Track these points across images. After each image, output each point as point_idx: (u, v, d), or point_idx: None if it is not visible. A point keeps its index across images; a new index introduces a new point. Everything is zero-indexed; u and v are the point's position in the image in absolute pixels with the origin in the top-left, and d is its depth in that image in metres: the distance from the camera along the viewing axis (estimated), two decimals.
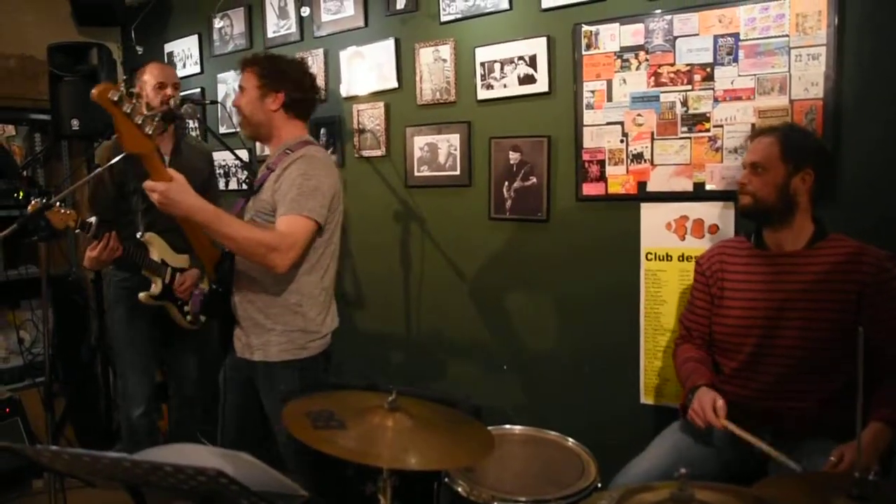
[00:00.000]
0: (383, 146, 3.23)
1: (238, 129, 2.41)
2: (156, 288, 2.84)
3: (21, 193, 3.96)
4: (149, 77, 3.08)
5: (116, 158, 2.14)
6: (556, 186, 2.75)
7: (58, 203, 2.56)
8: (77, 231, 2.65)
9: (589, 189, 2.66)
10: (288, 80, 2.24)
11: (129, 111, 1.82)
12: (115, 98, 1.78)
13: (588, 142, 2.65)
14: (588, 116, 2.64)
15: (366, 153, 3.29)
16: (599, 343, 2.69)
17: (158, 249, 2.87)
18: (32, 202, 2.49)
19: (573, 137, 2.68)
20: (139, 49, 4.09)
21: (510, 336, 2.93)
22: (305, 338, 2.20)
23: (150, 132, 1.88)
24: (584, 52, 2.63)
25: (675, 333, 2.35)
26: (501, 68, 2.85)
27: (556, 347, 2.81)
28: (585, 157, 2.66)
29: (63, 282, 4.17)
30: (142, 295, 2.82)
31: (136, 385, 3.05)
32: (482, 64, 2.89)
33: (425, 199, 3.13)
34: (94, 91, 1.77)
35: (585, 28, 2.62)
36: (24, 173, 4.22)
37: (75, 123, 3.93)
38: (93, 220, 2.65)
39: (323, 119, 3.41)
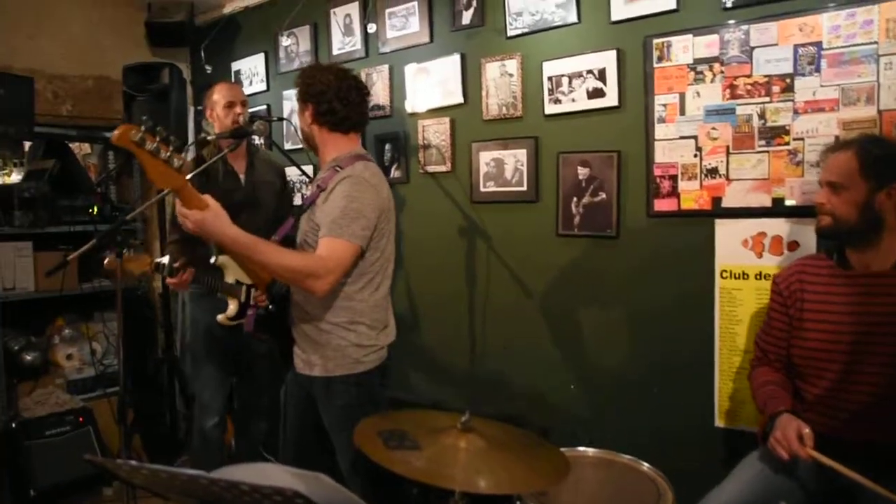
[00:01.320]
0: (448, 162, 3.26)
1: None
2: (232, 309, 2.91)
3: (95, 209, 4.17)
4: (218, 96, 3.22)
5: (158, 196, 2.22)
6: (627, 202, 2.73)
7: (129, 251, 2.77)
8: (154, 273, 2.82)
9: (661, 205, 2.63)
10: (314, 93, 2.24)
11: (153, 149, 1.80)
12: (137, 138, 1.77)
13: (660, 156, 2.62)
14: (660, 130, 2.62)
15: (431, 169, 3.34)
16: (670, 363, 2.64)
17: (233, 271, 2.92)
18: (107, 260, 2.70)
19: (644, 152, 2.66)
20: (208, 68, 4.27)
21: (578, 354, 2.91)
22: (360, 352, 2.24)
23: (179, 165, 1.86)
24: (655, 65, 2.62)
25: (752, 355, 2.30)
26: (570, 82, 2.85)
27: (626, 367, 2.77)
28: (657, 172, 2.63)
29: (132, 296, 4.34)
30: (220, 317, 2.88)
31: (213, 397, 3.19)
32: (550, 78, 2.90)
33: (491, 215, 3.15)
34: (114, 134, 1.77)
35: (657, 40, 2.60)
36: (98, 190, 4.43)
37: None
38: (165, 260, 2.78)
39: (387, 135, 3.47)
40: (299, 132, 2.39)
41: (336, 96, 2.23)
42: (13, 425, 3.55)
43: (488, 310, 3.19)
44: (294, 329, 2.33)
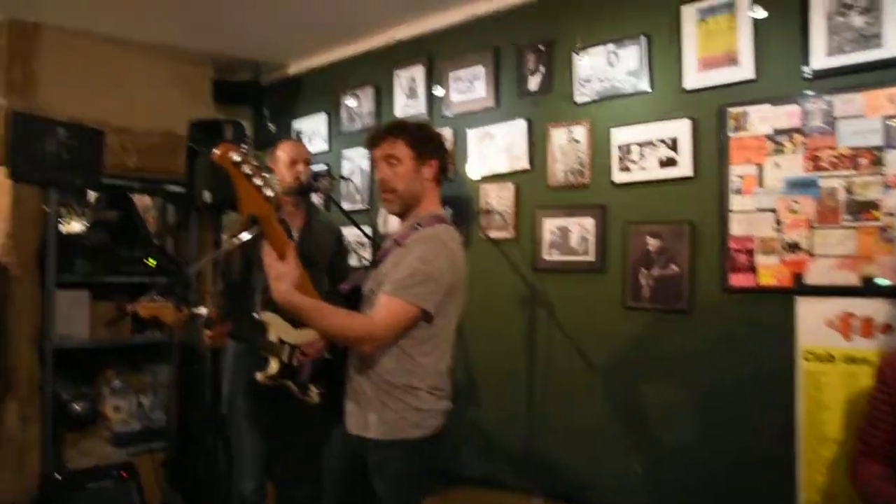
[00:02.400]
0: (511, 228, 3.24)
1: (382, 204, 2.34)
2: (272, 368, 2.86)
3: (153, 261, 4.25)
4: (281, 153, 3.26)
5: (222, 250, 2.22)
6: (700, 275, 2.66)
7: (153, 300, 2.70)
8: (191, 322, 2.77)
9: (737, 280, 2.55)
10: (441, 147, 2.26)
11: (249, 172, 1.82)
12: (236, 158, 1.80)
13: (736, 229, 2.56)
14: (736, 202, 2.56)
15: (493, 234, 3.32)
16: (746, 450, 2.51)
17: (275, 328, 2.88)
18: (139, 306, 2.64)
19: (719, 224, 2.61)
20: (272, 126, 4.38)
21: (643, 435, 2.80)
22: (419, 416, 2.17)
23: (271, 195, 1.88)
24: (731, 135, 2.58)
25: (844, 445, 2.16)
26: (640, 151, 2.83)
27: (696, 451, 2.65)
28: (733, 245, 2.56)
29: (183, 348, 4.36)
30: (258, 375, 2.83)
31: (250, 462, 3.11)
32: (619, 146, 2.89)
33: (554, 283, 3.10)
34: (215, 151, 1.79)
35: (733, 110, 2.57)
36: (156, 242, 4.52)
37: (207, 196, 4.18)
38: (203, 311, 2.73)
39: (448, 198, 3.46)
40: (386, 190, 2.23)
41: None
42: (57, 476, 3.54)
43: (548, 382, 3.11)
44: (350, 384, 2.27)
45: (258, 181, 1.84)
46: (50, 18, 3.89)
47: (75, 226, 4.68)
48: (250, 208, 1.87)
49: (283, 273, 1.94)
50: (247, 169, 1.81)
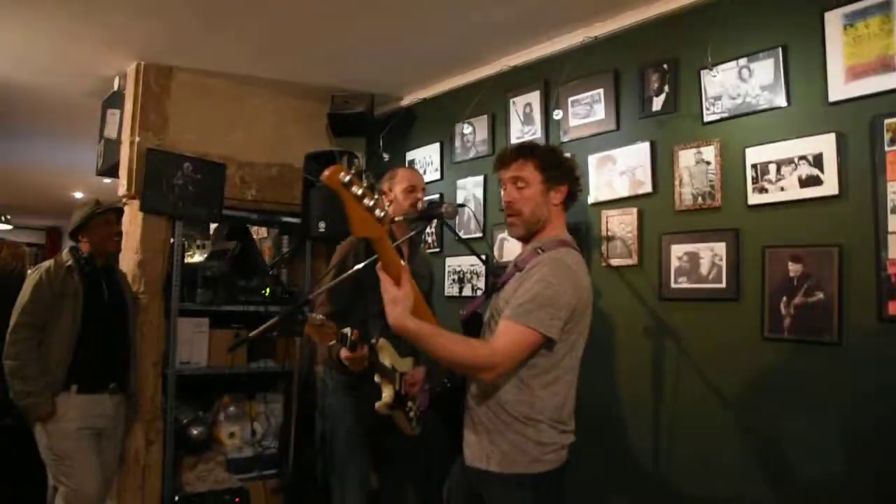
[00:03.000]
0: (635, 255, 3.11)
1: (507, 227, 2.25)
2: (388, 395, 2.82)
3: (268, 290, 4.37)
4: (401, 179, 3.27)
5: (362, 264, 2.18)
6: (851, 304, 2.43)
7: (319, 317, 2.61)
8: (333, 343, 2.66)
9: None
10: (571, 172, 2.21)
11: (359, 193, 1.76)
12: (346, 179, 1.74)
13: (894, 252, 2.33)
14: (894, 222, 2.34)
15: (614, 262, 3.19)
16: None
17: (389, 355, 2.86)
18: (312, 317, 2.56)
19: (873, 246, 2.39)
20: (385, 156, 4.45)
21: (786, 479, 2.56)
22: (540, 450, 2.07)
23: (382, 215, 1.82)
24: (887, 149, 2.37)
25: None
26: (778, 170, 2.65)
27: (848, 498, 2.39)
28: (892, 269, 2.33)
29: (299, 378, 4.44)
30: (379, 404, 2.79)
31: (355, 498, 3.02)
32: (753, 166, 2.72)
33: (683, 313, 2.93)
34: (325, 173, 1.75)
35: (889, 121, 2.37)
36: (272, 272, 4.66)
37: (322, 226, 4.30)
38: (347, 331, 2.64)
39: (567, 225, 3.37)
40: (513, 214, 2.19)
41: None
42: (176, 498, 3.64)
43: (676, 419, 2.92)
44: (468, 414, 2.20)
45: (369, 202, 1.78)
46: (182, 61, 4.15)
47: (197, 256, 4.91)
48: (363, 230, 1.82)
49: (398, 297, 1.89)
50: (356, 189, 1.76)
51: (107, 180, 5.43)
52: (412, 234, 2.83)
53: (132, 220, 4.04)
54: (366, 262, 2.60)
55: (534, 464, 2.07)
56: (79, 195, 8.74)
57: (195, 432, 4.03)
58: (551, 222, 2.20)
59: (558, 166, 2.18)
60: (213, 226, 5.03)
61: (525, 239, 2.22)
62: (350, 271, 2.61)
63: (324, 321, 2.54)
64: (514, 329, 1.98)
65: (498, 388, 2.09)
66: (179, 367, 4.02)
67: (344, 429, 3.03)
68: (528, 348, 2.01)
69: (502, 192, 2.22)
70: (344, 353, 2.63)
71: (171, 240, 4.08)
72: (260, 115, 4.54)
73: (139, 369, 3.73)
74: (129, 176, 4.07)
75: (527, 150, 2.19)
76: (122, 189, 4.14)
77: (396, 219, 2.94)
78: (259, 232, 5.36)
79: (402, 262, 1.93)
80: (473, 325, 2.25)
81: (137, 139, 4.07)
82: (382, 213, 1.81)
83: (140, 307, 3.87)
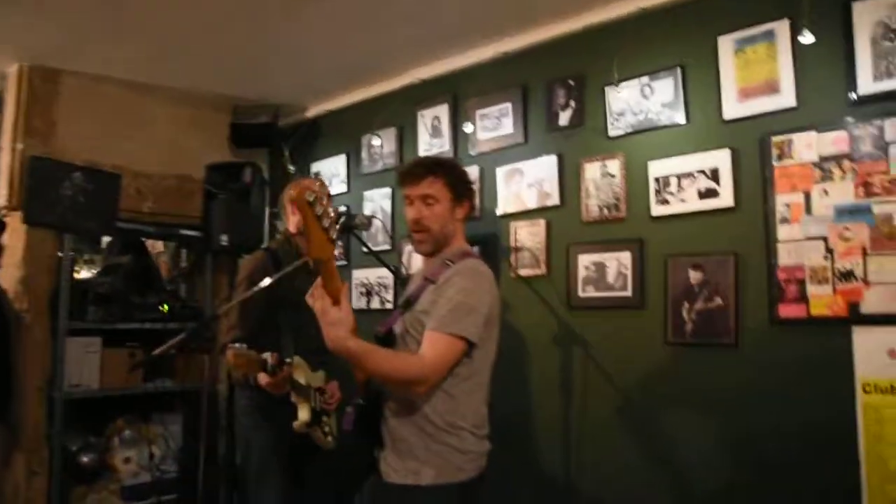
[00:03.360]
0: (543, 265, 3.19)
1: (413, 243, 2.26)
2: (305, 414, 2.75)
3: (166, 307, 4.18)
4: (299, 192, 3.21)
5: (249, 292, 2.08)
6: (747, 308, 2.60)
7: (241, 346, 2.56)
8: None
9: (786, 311, 2.49)
10: (471, 187, 2.26)
11: (319, 213, 1.73)
12: (311, 199, 1.70)
13: (784, 259, 2.51)
14: (783, 231, 2.52)
15: (523, 272, 3.27)
16: (804, 492, 2.40)
17: (303, 372, 2.79)
18: (230, 353, 2.52)
19: (765, 254, 2.56)
20: (291, 168, 4.37)
21: (690, 479, 2.69)
22: (462, 458, 2.09)
23: (334, 236, 1.80)
24: (775, 164, 2.56)
25: None
26: (678, 182, 2.80)
27: (749, 497, 2.54)
28: (781, 275, 2.51)
29: (196, 398, 4.25)
30: (297, 424, 2.72)
31: None
32: (656, 179, 2.87)
33: (590, 321, 3.03)
34: (292, 191, 1.74)
35: (776, 138, 2.56)
36: (169, 287, 4.46)
37: (224, 239, 4.18)
38: (267, 356, 2.57)
39: (476, 237, 3.41)
40: (418, 231, 2.19)
41: None
42: None
43: (585, 424, 3.01)
44: (388, 432, 2.17)
45: (325, 222, 1.74)
46: (70, 64, 3.93)
47: (84, 272, 4.63)
48: (317, 252, 1.77)
49: (338, 318, 1.85)
50: (318, 209, 1.73)
51: None
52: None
53: (14, 233, 3.76)
54: (277, 276, 2.55)
55: (457, 473, 2.08)
56: None
57: (85, 459, 3.78)
58: (455, 236, 2.24)
59: (464, 182, 2.24)
60: (104, 239, 4.75)
61: (431, 254, 2.24)
62: (261, 285, 2.54)
63: (246, 351, 2.50)
64: (441, 339, 2.00)
65: (425, 401, 2.08)
66: (68, 389, 3.76)
67: (259, 450, 2.94)
68: (455, 357, 2.03)
69: (408, 209, 2.21)
70: (264, 378, 2.58)
71: (59, 254, 3.84)
72: (157, 124, 4.34)
73: (20, 394, 3.46)
74: (10, 185, 3.80)
75: (436, 167, 2.21)
76: (1, 199, 3.85)
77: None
78: (154, 246, 5.11)
79: (343, 282, 1.90)
80: (389, 342, 2.24)
81: (20, 146, 3.81)
82: (335, 235, 1.79)
83: (23, 326, 3.60)
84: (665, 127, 2.88)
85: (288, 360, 2.77)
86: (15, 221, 3.77)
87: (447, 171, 2.22)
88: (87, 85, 4.05)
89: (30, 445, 3.59)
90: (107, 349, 3.98)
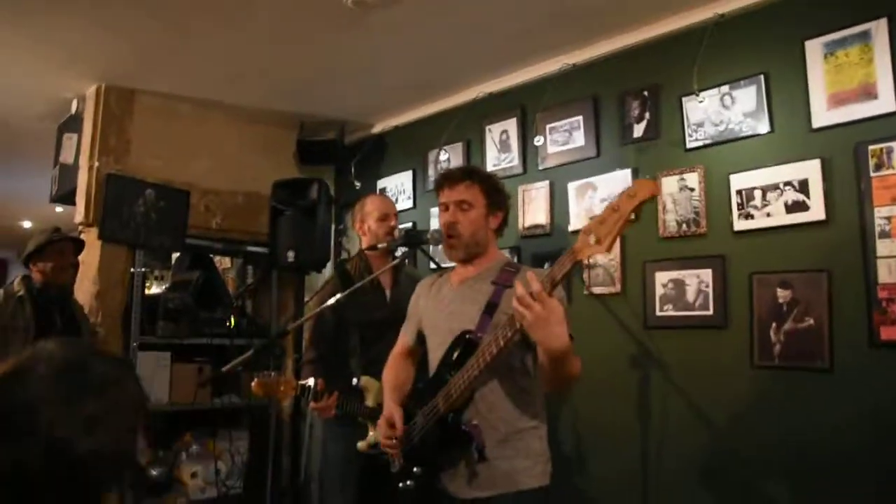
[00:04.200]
0: (618, 283, 3.07)
1: (444, 249, 2.22)
2: (374, 436, 2.72)
3: (233, 322, 4.21)
4: (371, 208, 3.19)
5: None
6: (842, 329, 2.43)
7: (273, 373, 2.62)
8: (299, 396, 2.64)
9: (889, 333, 2.31)
10: (507, 200, 2.25)
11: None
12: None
13: (885, 276, 2.34)
14: (883, 246, 2.35)
15: (597, 290, 3.15)
16: None
17: (374, 394, 2.75)
18: (254, 383, 2.51)
19: (862, 271, 2.39)
20: (357, 184, 4.36)
21: None
22: (545, 461, 2.09)
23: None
24: (872, 174, 2.39)
25: None
26: (763, 195, 2.66)
27: None
28: (882, 294, 2.34)
29: (262, 415, 4.26)
30: (360, 445, 2.71)
31: None
32: (738, 192, 2.73)
33: (669, 342, 2.89)
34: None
35: (873, 146, 2.39)
36: (236, 303, 4.50)
37: (290, 255, 4.17)
38: (310, 382, 2.62)
39: (547, 254, 3.35)
40: (453, 236, 2.15)
41: None
42: None
43: (664, 451, 2.86)
44: (497, 438, 2.05)
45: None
46: (144, 85, 4.02)
47: (155, 287, 4.72)
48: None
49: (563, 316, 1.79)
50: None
51: (59, 208, 5.22)
52: (396, 261, 2.76)
53: (89, 249, 3.85)
54: (347, 291, 2.52)
55: (544, 477, 2.07)
56: (27, 224, 8.41)
57: (154, 473, 3.82)
58: (491, 246, 2.23)
59: (500, 192, 2.22)
60: (173, 256, 4.85)
61: (463, 261, 2.21)
62: (327, 303, 2.50)
63: (275, 375, 2.55)
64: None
65: (500, 404, 2.04)
66: None
67: (333, 461, 2.95)
68: None
69: (442, 214, 2.19)
70: (312, 404, 2.63)
71: (132, 270, 3.91)
72: (225, 142, 4.42)
73: None
74: (87, 203, 3.91)
75: (473, 173, 2.21)
76: (79, 216, 3.96)
77: (380, 245, 2.88)
78: (222, 262, 5.19)
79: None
80: (474, 344, 2.17)
81: (97, 164, 3.92)
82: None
83: (97, 341, 3.67)
84: (747, 137, 2.74)
85: (354, 382, 2.74)
86: (91, 237, 3.87)
87: (484, 178, 2.22)
88: (159, 103, 4.14)
89: None
90: (176, 364, 4.04)
